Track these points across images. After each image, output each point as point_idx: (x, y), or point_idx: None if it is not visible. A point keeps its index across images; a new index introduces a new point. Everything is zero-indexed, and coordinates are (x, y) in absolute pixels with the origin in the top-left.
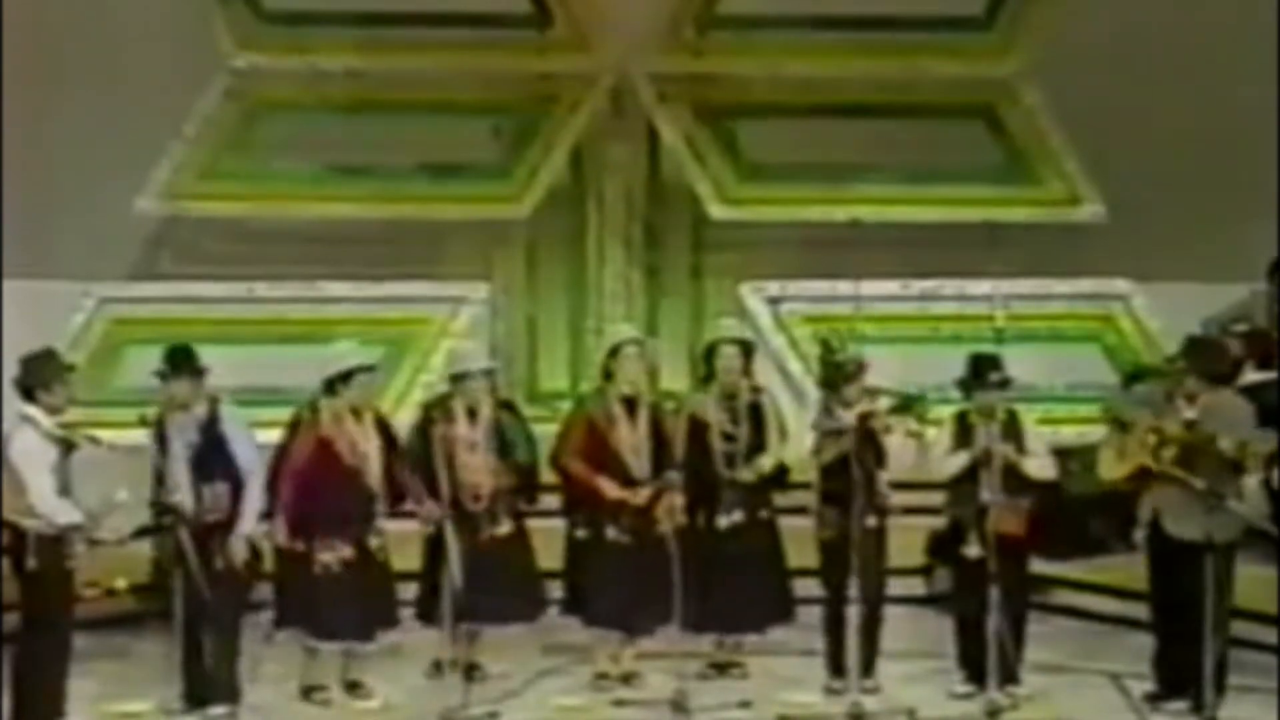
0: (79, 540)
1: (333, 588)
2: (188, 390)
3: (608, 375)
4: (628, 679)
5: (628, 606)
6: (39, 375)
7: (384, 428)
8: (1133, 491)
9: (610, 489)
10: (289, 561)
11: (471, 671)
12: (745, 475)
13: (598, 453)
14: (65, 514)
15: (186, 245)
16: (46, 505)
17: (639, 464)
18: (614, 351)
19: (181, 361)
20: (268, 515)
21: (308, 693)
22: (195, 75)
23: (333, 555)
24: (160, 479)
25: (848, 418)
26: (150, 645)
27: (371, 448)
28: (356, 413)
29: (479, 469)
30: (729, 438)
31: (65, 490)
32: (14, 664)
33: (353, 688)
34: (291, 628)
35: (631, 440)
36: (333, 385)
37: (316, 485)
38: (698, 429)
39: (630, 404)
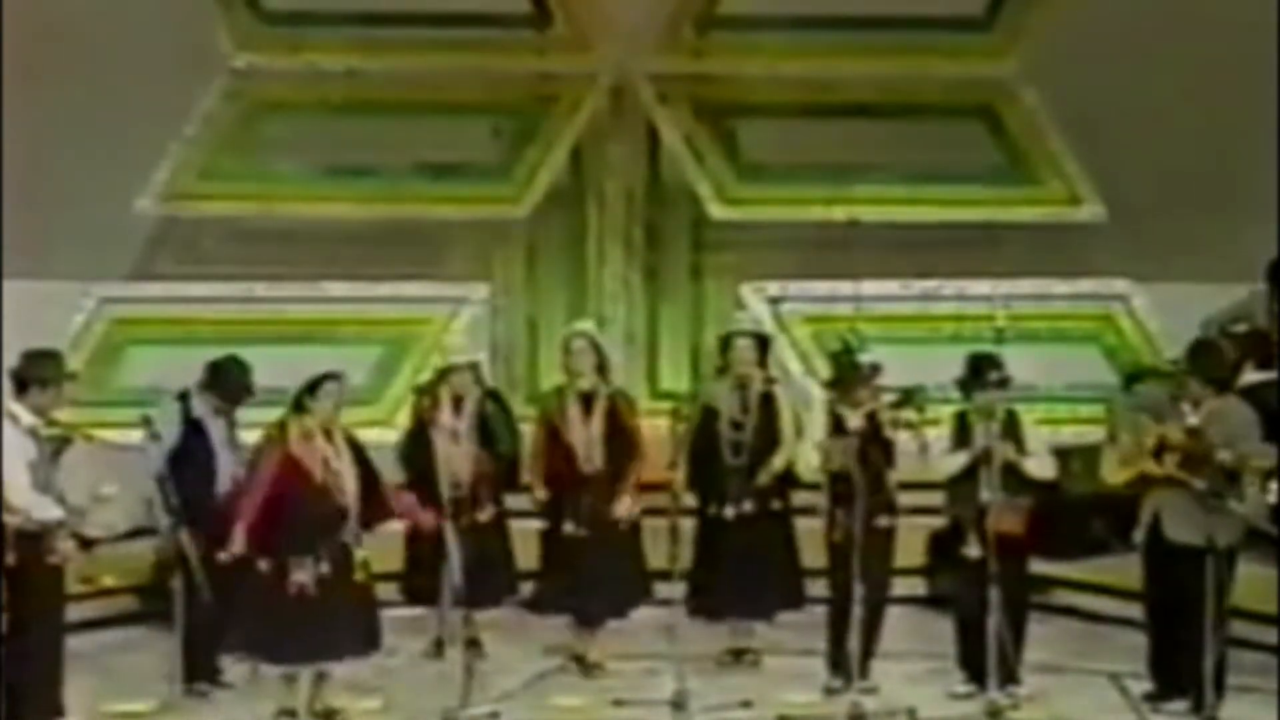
0: (63, 537)
1: (304, 608)
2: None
3: (566, 371)
4: (592, 668)
5: (579, 596)
6: (37, 372)
7: (355, 446)
8: (1133, 493)
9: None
10: (254, 586)
11: (471, 647)
12: (761, 479)
13: (553, 449)
14: (42, 509)
15: (186, 245)
16: (21, 500)
17: (589, 459)
18: (564, 346)
19: (245, 382)
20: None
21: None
22: (195, 75)
23: (307, 574)
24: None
25: (855, 419)
26: (150, 645)
27: (345, 466)
28: (328, 431)
29: (460, 458)
30: (737, 425)
31: (47, 487)
32: (6, 663)
33: (328, 715)
34: (246, 653)
35: (583, 435)
36: (300, 402)
37: (286, 504)
38: (709, 417)
39: (588, 400)
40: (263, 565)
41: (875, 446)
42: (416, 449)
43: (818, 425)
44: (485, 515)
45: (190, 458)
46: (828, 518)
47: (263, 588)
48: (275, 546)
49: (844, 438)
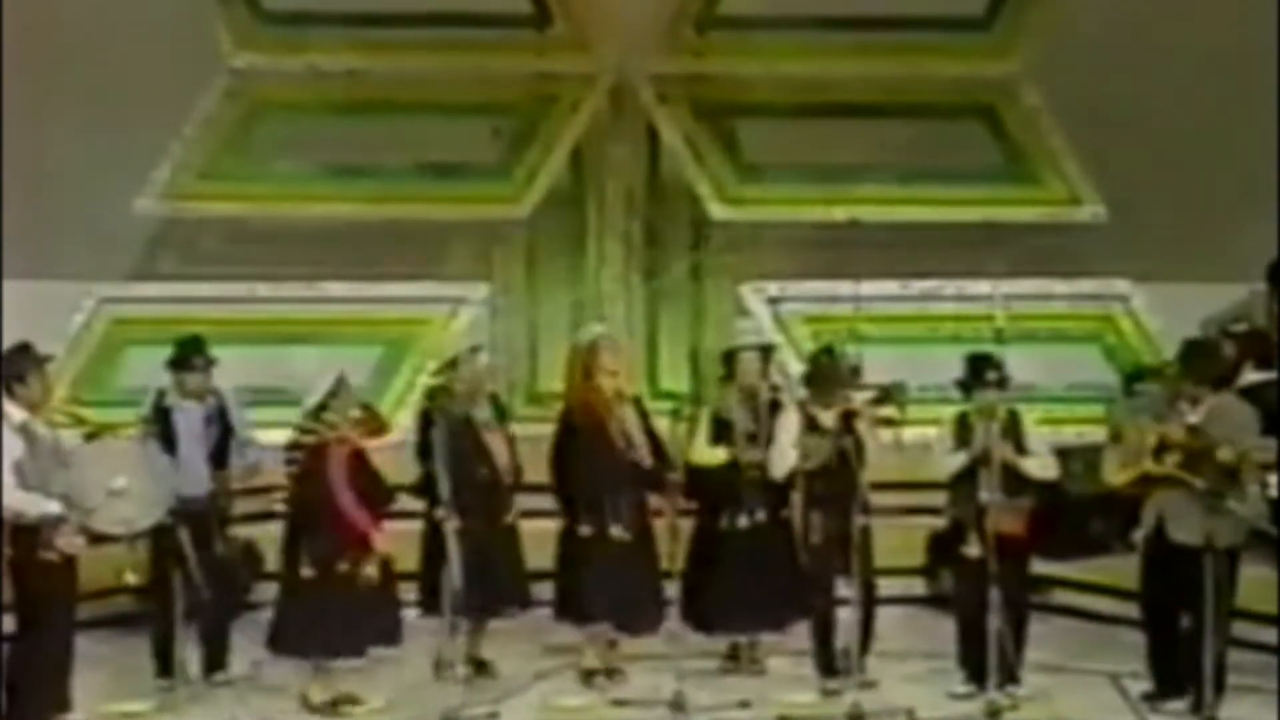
0: (64, 533)
1: (357, 602)
2: (200, 380)
3: (587, 374)
4: (611, 674)
5: (627, 604)
6: (12, 368)
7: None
8: (1134, 494)
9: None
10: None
11: (480, 667)
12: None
13: (594, 443)
14: (33, 506)
15: (186, 245)
16: (10, 498)
17: (642, 454)
18: (591, 348)
19: (194, 352)
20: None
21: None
22: (195, 75)
23: (373, 568)
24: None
25: (828, 419)
26: (150, 645)
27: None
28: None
29: (503, 448)
30: (752, 437)
31: (42, 483)
32: (11, 658)
33: (351, 700)
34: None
35: (634, 432)
36: (325, 404)
37: (362, 499)
38: (722, 428)
39: (618, 396)
40: (342, 566)
41: (849, 445)
42: (457, 443)
43: (791, 426)
44: (512, 516)
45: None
46: (803, 520)
47: (316, 585)
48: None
49: (821, 436)
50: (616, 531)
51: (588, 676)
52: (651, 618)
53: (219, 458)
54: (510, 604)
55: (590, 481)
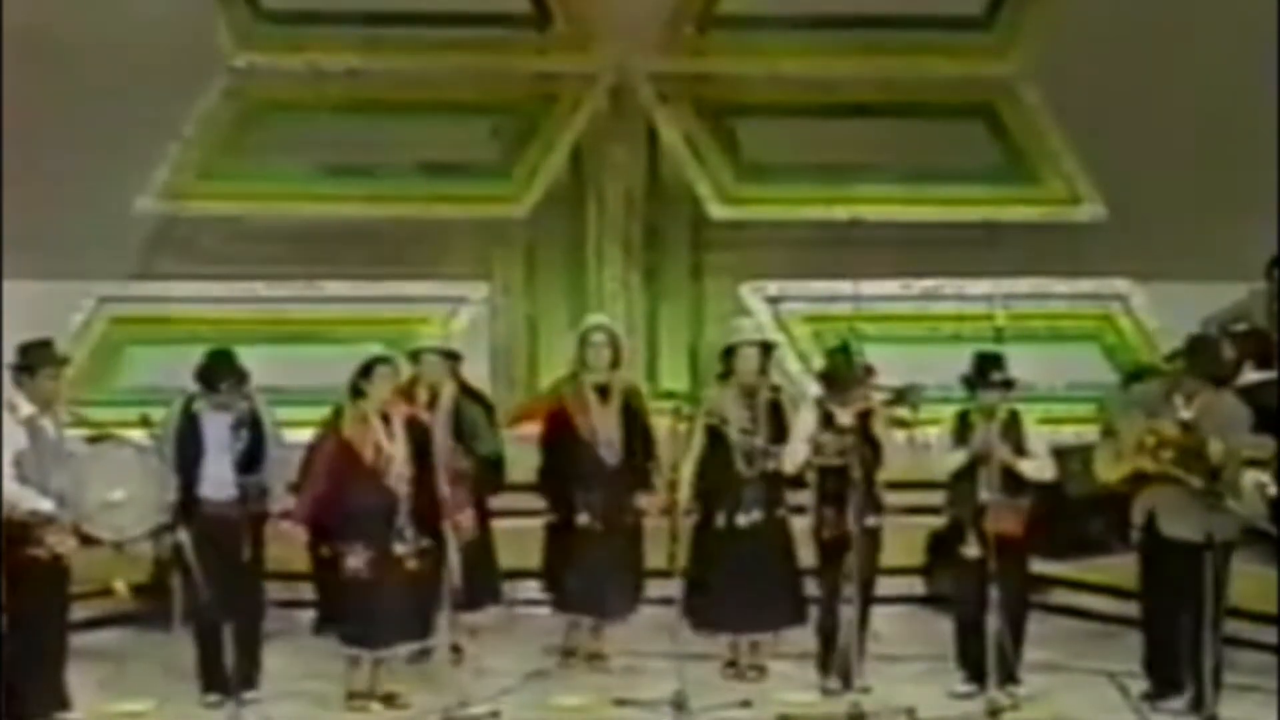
0: (54, 531)
1: (358, 593)
2: (231, 393)
3: (584, 364)
4: (592, 659)
5: (592, 592)
6: (25, 360)
7: (418, 434)
8: (1129, 490)
9: None
10: (321, 565)
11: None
12: (787, 467)
13: (565, 438)
14: (26, 500)
15: (186, 245)
16: (6, 489)
17: (610, 451)
18: (582, 339)
19: (224, 367)
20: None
21: (349, 698)
22: (195, 75)
23: (356, 561)
24: (187, 476)
25: (846, 417)
26: (150, 645)
27: (398, 451)
28: (385, 416)
29: (435, 452)
30: (748, 434)
31: (40, 478)
32: (5, 656)
33: (387, 699)
34: (326, 631)
35: (604, 428)
36: (357, 387)
37: (337, 489)
38: (715, 430)
39: (603, 391)
40: (324, 551)
41: (865, 445)
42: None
43: (807, 421)
44: (462, 517)
45: (182, 453)
46: (815, 516)
47: (331, 571)
48: (332, 532)
49: (838, 433)
50: (582, 520)
51: (566, 656)
52: (618, 606)
53: (250, 462)
54: (469, 604)
55: (557, 472)
